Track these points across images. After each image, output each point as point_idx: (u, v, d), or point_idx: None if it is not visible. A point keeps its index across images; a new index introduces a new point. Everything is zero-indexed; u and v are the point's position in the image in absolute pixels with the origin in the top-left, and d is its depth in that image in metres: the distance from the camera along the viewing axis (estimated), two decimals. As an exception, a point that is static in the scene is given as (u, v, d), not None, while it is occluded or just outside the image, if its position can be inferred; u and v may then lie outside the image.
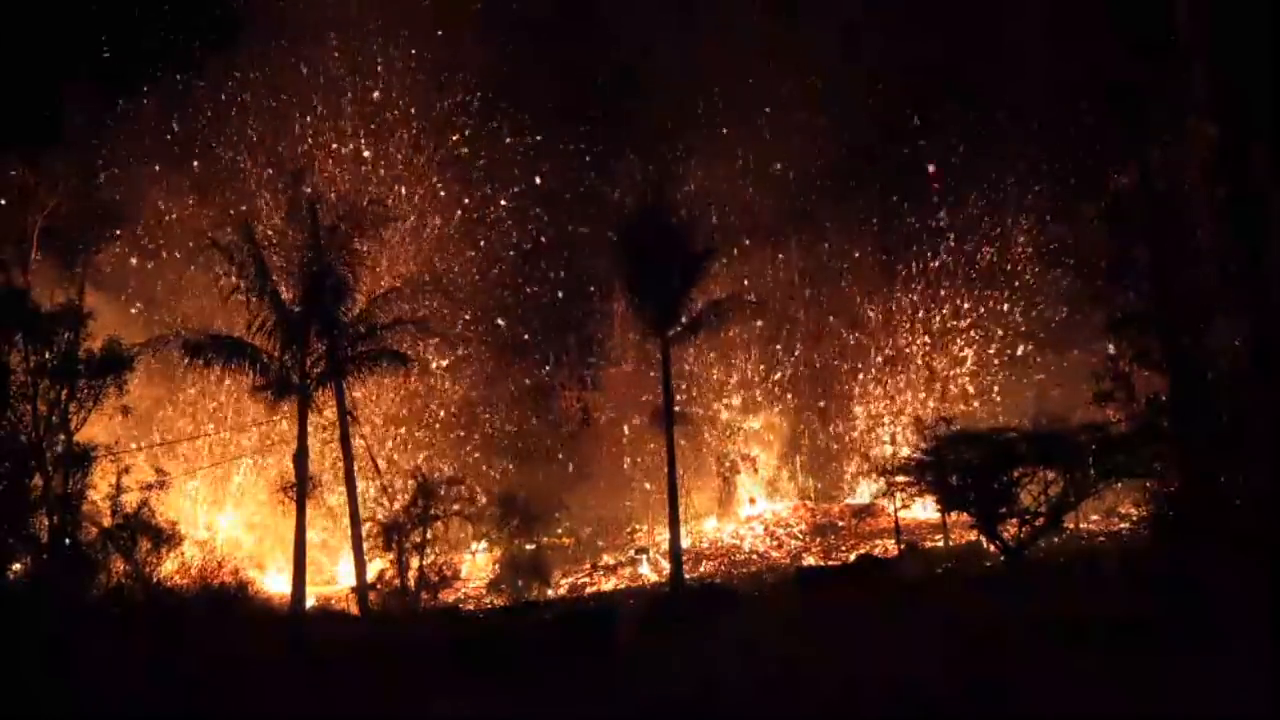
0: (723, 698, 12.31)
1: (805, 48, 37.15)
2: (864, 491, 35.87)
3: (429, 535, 25.45)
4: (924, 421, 24.65)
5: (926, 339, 38.99)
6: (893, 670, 12.21)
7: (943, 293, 38.76)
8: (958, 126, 37.10)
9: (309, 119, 38.38)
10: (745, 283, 35.82)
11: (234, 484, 36.15)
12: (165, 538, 22.74)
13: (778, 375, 40.70)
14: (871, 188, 39.41)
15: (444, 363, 38.46)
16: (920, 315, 39.04)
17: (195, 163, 36.75)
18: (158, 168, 34.89)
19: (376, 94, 39.68)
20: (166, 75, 34.58)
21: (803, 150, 38.61)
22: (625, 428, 38.75)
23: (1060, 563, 21.12)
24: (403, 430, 38.33)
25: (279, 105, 38.11)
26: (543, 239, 40.83)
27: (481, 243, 40.35)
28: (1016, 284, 37.38)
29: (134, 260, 34.73)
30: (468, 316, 39.44)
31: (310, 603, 26.26)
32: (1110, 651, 12.09)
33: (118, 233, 30.79)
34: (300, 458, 24.23)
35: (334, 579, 33.84)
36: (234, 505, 35.90)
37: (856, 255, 39.85)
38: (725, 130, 40.31)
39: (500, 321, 40.66)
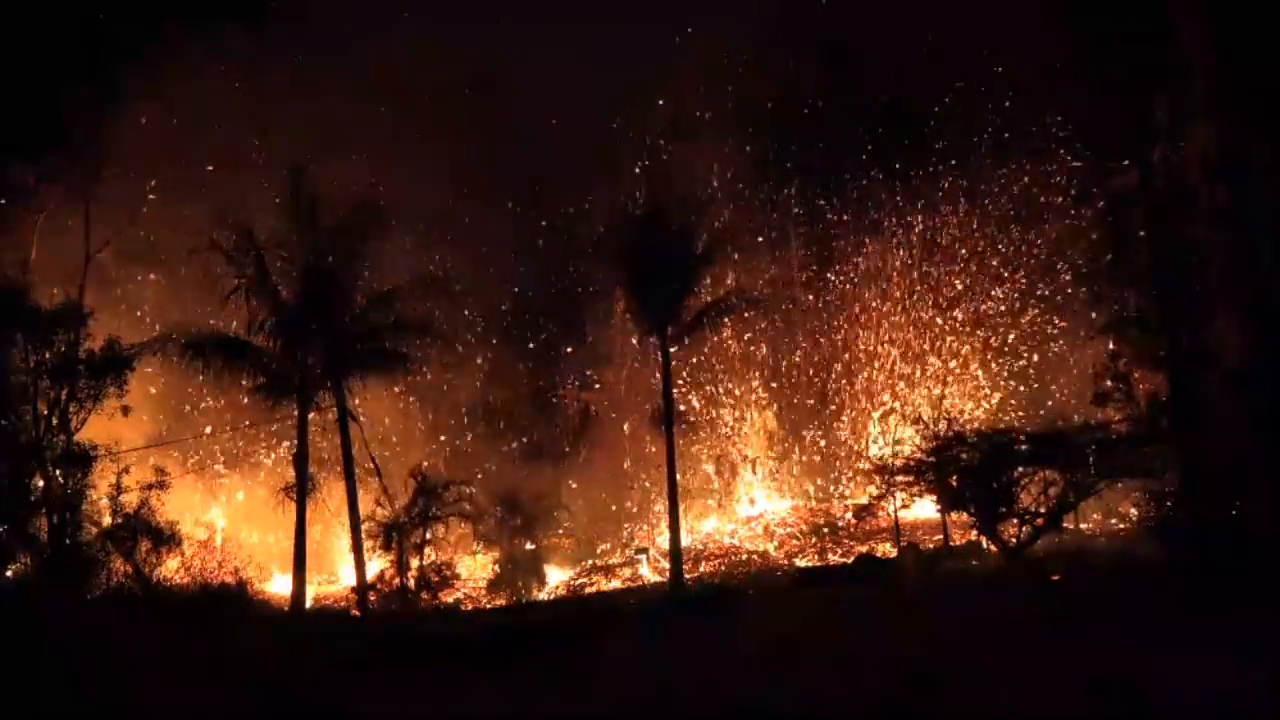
0: (722, 697, 12.31)
1: (802, 44, 37.27)
2: (864, 491, 35.82)
3: (429, 535, 25.45)
4: (924, 421, 24.66)
5: (927, 339, 38.94)
6: (891, 668, 12.23)
7: (944, 292, 38.73)
8: (957, 126, 37.09)
9: (311, 118, 38.37)
10: (737, 281, 35.72)
11: (234, 483, 36.16)
12: (165, 538, 22.79)
13: (778, 374, 40.66)
14: (873, 186, 39.42)
15: (444, 363, 38.43)
16: (921, 315, 38.99)
17: (196, 162, 36.79)
18: (159, 167, 34.86)
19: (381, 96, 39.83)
20: (169, 74, 34.56)
21: (804, 148, 38.61)
22: (625, 428, 38.73)
23: (1059, 562, 21.11)
24: (403, 431, 38.28)
25: (281, 103, 38.09)
26: (541, 241, 40.87)
27: (483, 245, 40.45)
28: (1016, 285, 37.31)
29: (134, 260, 34.69)
30: (468, 315, 39.45)
31: (309, 603, 26.28)
32: (1107, 651, 12.09)
33: (118, 234, 30.72)
34: (300, 458, 24.26)
35: (334, 578, 33.83)
36: (234, 505, 35.87)
37: (857, 254, 39.84)
38: (726, 128, 40.24)
39: (501, 322, 40.73)
